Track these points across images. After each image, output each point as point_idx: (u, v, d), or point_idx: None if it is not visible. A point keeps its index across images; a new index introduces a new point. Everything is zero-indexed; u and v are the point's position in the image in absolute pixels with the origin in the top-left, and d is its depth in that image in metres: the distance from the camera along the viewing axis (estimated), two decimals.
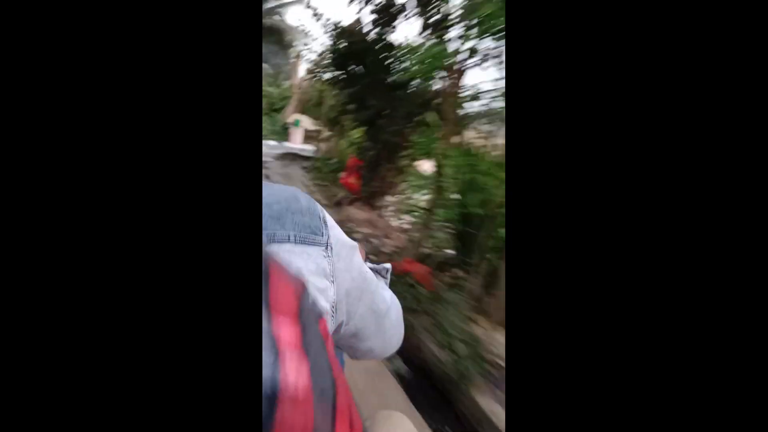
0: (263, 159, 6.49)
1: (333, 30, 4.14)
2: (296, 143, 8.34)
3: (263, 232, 0.34)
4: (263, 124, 9.44)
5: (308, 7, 4.25)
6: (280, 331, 0.23)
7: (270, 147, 7.58)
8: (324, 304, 0.37)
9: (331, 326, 0.39)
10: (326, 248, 0.37)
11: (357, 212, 4.37)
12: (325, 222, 0.39)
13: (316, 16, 4.23)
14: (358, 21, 4.01)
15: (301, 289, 0.28)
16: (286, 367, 0.22)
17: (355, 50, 4.01)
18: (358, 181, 4.61)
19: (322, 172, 6.02)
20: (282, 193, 0.38)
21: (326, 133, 6.84)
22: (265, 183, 0.36)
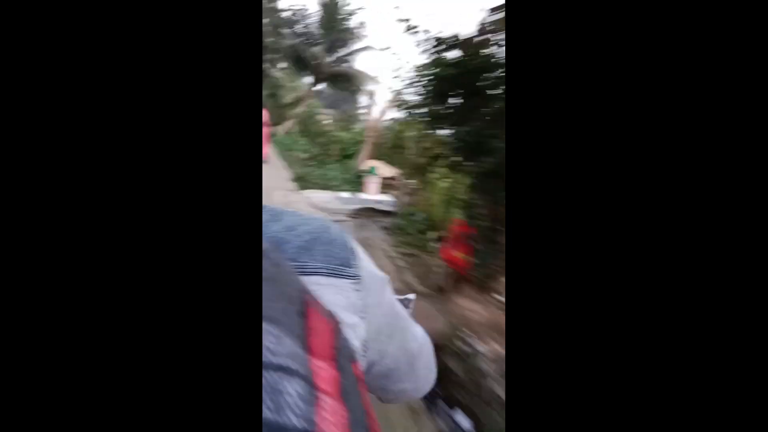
0: (338, 215, 5.50)
1: (437, 46, 2.91)
2: (372, 194, 7.22)
3: (294, 262, 0.33)
4: (336, 173, 8.59)
5: (402, 21, 3.08)
6: (317, 376, 0.22)
7: (343, 200, 6.50)
8: (355, 342, 0.34)
9: (362, 366, 0.35)
10: (357, 281, 0.36)
11: (470, 305, 2.97)
12: (355, 253, 0.37)
13: (411, 29, 3.04)
14: (481, 30, 2.74)
15: (337, 328, 0.28)
16: (325, 415, 0.21)
17: (471, 69, 2.72)
18: (467, 256, 3.22)
19: (407, 233, 4.76)
20: (312, 223, 0.37)
21: (409, 182, 5.67)
22: (294, 211, 0.37)
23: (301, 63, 14.13)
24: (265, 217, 0.36)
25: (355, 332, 0.34)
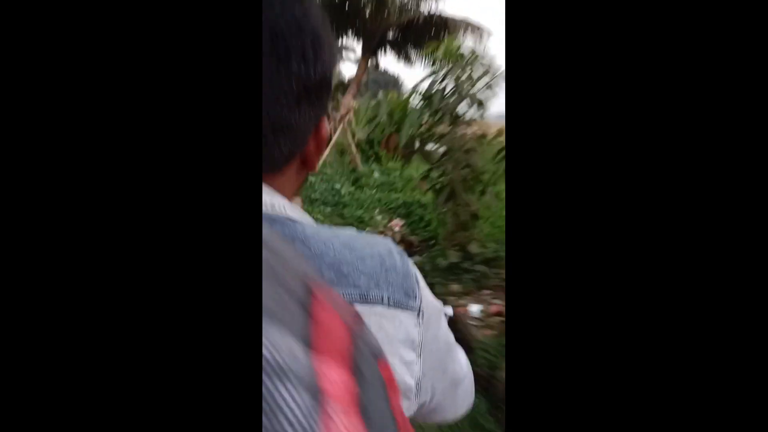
0: None
1: None
2: None
3: (354, 288, 0.31)
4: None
5: None
6: (324, 381, 0.18)
7: None
8: (409, 380, 0.33)
9: (413, 407, 0.35)
10: (418, 315, 0.34)
11: None
12: (418, 283, 0.35)
13: None
14: None
15: (355, 324, 0.24)
16: (332, 428, 0.17)
17: None
18: None
19: None
20: (375, 247, 0.34)
21: None
22: (357, 232, 0.35)
23: None
24: (325, 233, 0.33)
25: (411, 370, 0.33)
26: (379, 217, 4.04)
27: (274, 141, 0.32)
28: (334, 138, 6.17)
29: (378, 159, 6.87)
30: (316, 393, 0.18)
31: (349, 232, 0.34)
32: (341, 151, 6.67)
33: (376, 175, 5.97)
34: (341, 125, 6.30)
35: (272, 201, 0.32)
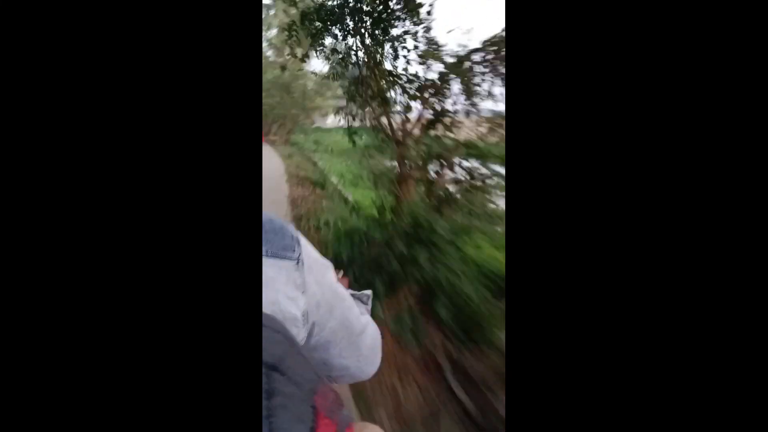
0: None
1: None
2: None
3: None
4: None
5: None
6: None
7: None
8: (294, 311, 0.39)
9: (302, 334, 0.41)
10: (297, 263, 0.41)
11: None
12: (297, 241, 0.42)
13: None
14: None
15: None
16: None
17: None
18: None
19: None
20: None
21: None
22: None
23: None
24: None
25: (296, 304, 0.40)
26: None
27: None
28: None
29: None
30: None
31: None
32: None
33: None
34: None
35: None
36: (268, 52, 14.00)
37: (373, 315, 0.60)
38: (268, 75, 12.95)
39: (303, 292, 0.41)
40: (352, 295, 0.57)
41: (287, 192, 5.97)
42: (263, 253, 0.38)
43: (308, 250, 0.44)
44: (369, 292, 0.64)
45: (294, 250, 0.41)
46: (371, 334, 0.55)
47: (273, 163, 8.29)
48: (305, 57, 3.69)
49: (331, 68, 3.77)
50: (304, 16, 3.31)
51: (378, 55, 3.17)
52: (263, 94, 13.04)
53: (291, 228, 0.43)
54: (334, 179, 7.58)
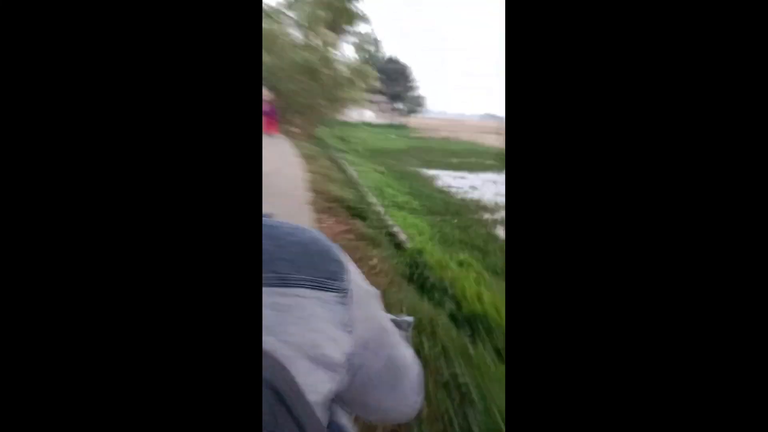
0: None
1: None
2: None
3: (273, 274, 0.32)
4: None
5: None
6: None
7: None
8: (338, 356, 0.34)
9: (344, 380, 0.36)
10: (345, 295, 0.35)
11: None
12: (344, 266, 0.37)
13: None
14: None
15: None
16: None
17: None
18: None
19: None
20: (298, 235, 0.36)
21: None
22: (280, 222, 0.36)
23: None
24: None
25: (340, 346, 0.34)
26: None
27: None
28: None
29: None
30: None
31: (271, 223, 0.36)
32: None
33: None
34: None
35: None
36: (293, 32, 12.01)
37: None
38: (295, 57, 10.97)
39: (350, 331, 0.35)
40: (392, 321, 0.49)
41: (312, 221, 3.88)
42: (301, 283, 0.33)
43: (356, 277, 0.38)
44: (411, 318, 0.57)
45: (342, 279, 0.35)
46: (414, 373, 0.47)
47: (293, 170, 6.21)
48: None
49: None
50: None
51: None
52: (285, 79, 11.05)
53: (337, 250, 0.37)
54: (373, 198, 5.55)
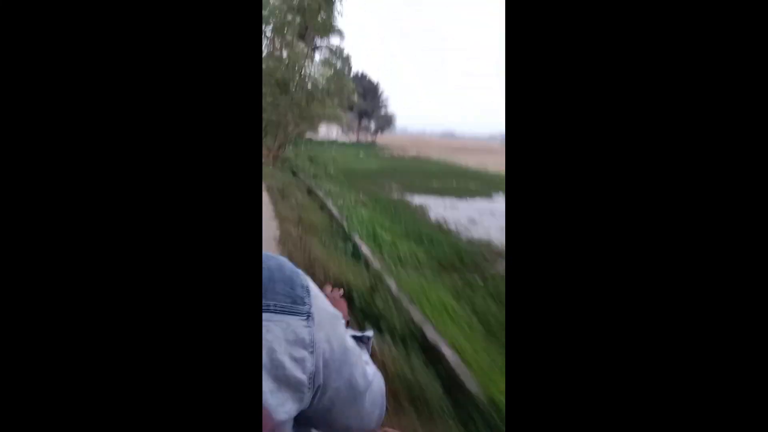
0: None
1: None
2: None
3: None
4: None
5: None
6: None
7: None
8: (300, 376, 0.37)
9: (306, 399, 0.39)
10: (307, 318, 0.38)
11: None
12: (308, 291, 0.39)
13: None
14: None
15: None
16: None
17: None
18: None
19: None
20: (267, 261, 0.38)
21: None
22: None
23: None
24: None
25: (302, 366, 0.37)
26: None
27: None
28: None
29: None
30: None
31: None
32: None
33: None
34: None
35: None
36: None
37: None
38: (264, 66, 9.57)
39: (311, 351, 0.38)
40: (353, 337, 0.52)
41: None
42: (267, 307, 0.36)
43: (319, 301, 0.41)
44: (370, 333, 0.59)
45: (304, 303, 0.38)
46: (375, 388, 0.50)
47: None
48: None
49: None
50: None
51: None
52: None
53: (301, 276, 0.40)
54: (365, 249, 4.18)
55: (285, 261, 0.40)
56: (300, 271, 0.40)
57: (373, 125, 33.06)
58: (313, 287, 0.40)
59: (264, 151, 9.80)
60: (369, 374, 0.48)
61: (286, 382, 0.35)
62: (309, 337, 0.37)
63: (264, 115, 9.91)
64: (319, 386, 0.40)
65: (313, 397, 0.40)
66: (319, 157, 14.23)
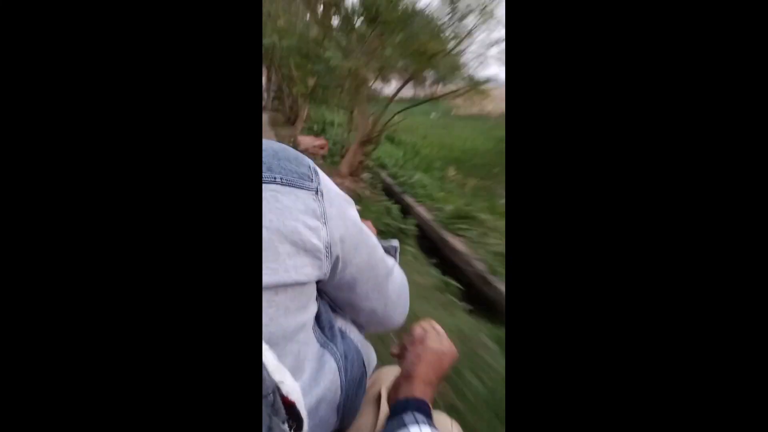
0: None
1: None
2: None
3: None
4: None
5: None
6: None
7: None
8: (316, 242, 0.37)
9: (325, 267, 0.39)
10: (316, 193, 0.38)
11: None
12: (315, 171, 0.39)
13: None
14: None
15: None
16: None
17: None
18: None
19: None
20: (270, 145, 0.38)
21: None
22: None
23: None
24: None
25: (317, 234, 0.37)
26: None
27: None
28: None
29: None
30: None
31: None
32: None
33: None
34: None
35: None
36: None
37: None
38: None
39: (324, 223, 0.38)
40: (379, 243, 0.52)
41: None
42: (274, 179, 0.35)
43: (327, 182, 0.41)
44: (396, 242, 0.58)
45: (311, 180, 0.38)
46: (398, 279, 0.51)
47: None
48: None
49: None
50: None
51: None
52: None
53: (307, 159, 0.40)
54: None
55: (287, 145, 0.39)
56: (304, 155, 0.39)
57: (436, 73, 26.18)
58: (320, 171, 0.40)
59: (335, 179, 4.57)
60: (390, 263, 0.49)
61: (302, 246, 0.35)
62: (320, 210, 0.37)
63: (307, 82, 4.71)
64: (337, 257, 0.40)
65: (334, 271, 0.40)
66: (401, 135, 8.59)
